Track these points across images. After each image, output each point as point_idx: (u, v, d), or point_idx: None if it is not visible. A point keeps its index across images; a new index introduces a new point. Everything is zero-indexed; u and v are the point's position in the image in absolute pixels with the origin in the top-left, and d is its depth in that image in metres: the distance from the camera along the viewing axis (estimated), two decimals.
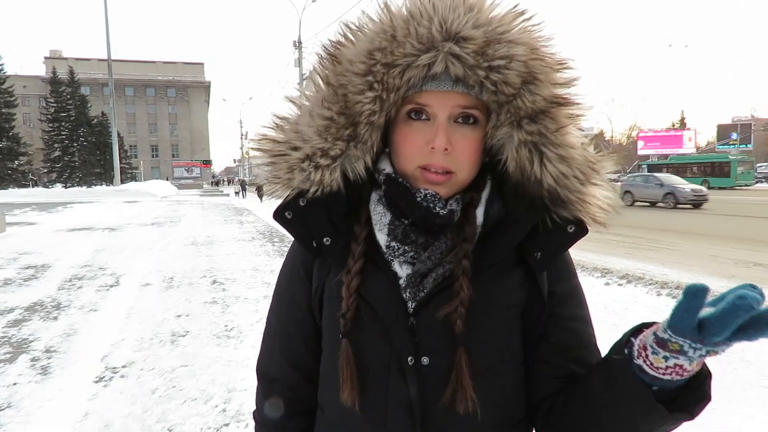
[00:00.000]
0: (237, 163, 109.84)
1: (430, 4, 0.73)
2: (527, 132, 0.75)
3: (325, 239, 0.82)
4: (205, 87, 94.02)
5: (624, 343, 0.71)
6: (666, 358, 0.62)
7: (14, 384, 3.69)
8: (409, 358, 0.77)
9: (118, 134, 44.33)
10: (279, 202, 0.85)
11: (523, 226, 0.79)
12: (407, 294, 0.79)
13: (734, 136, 74.48)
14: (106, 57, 37.95)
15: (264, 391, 0.94)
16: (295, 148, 0.81)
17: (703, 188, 21.58)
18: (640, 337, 0.68)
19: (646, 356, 0.65)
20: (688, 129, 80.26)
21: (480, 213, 0.81)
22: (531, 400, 0.85)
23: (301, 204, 0.82)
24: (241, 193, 37.39)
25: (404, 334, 0.78)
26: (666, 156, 59.58)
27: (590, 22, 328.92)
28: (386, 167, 0.83)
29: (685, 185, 21.38)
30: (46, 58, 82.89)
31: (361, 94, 0.76)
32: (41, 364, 4.10)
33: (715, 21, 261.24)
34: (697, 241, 11.09)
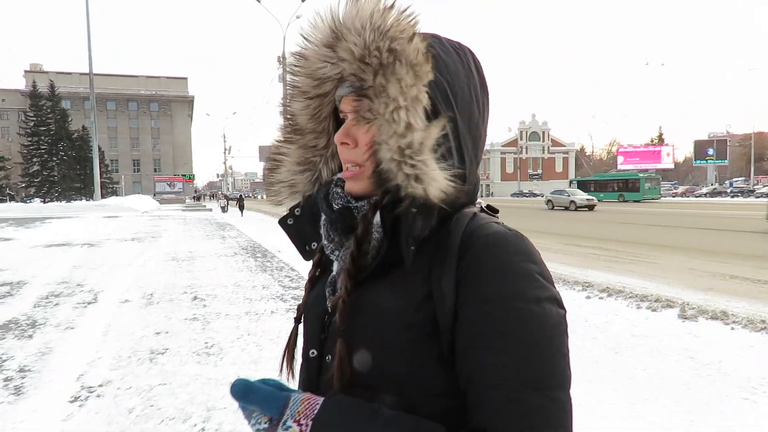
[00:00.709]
0: (220, 178, 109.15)
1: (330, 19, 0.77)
2: None
3: (312, 244, 0.88)
4: (189, 101, 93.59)
5: None
6: None
7: None
8: (311, 351, 0.81)
9: (99, 148, 43.91)
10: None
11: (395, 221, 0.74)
12: (328, 291, 0.82)
13: (710, 151, 76.18)
14: (87, 71, 37.66)
15: None
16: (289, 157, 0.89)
17: (593, 198, 33.29)
18: None
19: None
20: (666, 144, 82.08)
21: (378, 213, 0.77)
22: None
23: (296, 213, 0.89)
24: (224, 208, 36.81)
25: (313, 328, 0.82)
26: (617, 171, 69.19)
27: (574, 38, 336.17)
28: None
29: (582, 195, 33.39)
30: (26, 71, 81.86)
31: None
32: (14, 384, 3.99)
33: (692, 40, 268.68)
34: (675, 253, 11.26)
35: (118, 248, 13.46)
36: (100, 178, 41.46)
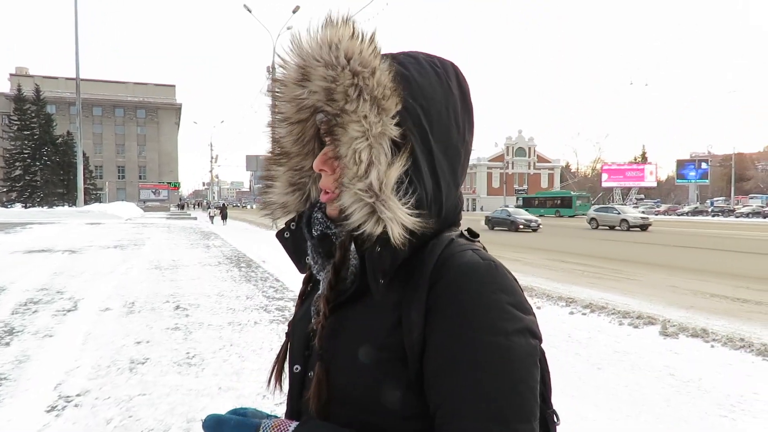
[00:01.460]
0: (206, 186, 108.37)
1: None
2: None
3: (307, 257, 0.88)
4: (176, 109, 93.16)
5: None
6: None
7: None
8: (295, 367, 0.83)
9: (84, 154, 43.37)
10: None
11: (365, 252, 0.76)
12: (313, 310, 0.83)
13: (692, 172, 77.53)
14: (74, 76, 37.33)
15: None
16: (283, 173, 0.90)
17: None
18: None
19: None
20: (650, 163, 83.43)
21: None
22: None
23: (292, 227, 0.89)
24: (213, 219, 36.11)
25: (299, 344, 0.84)
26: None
27: (561, 57, 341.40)
28: None
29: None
30: (11, 74, 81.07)
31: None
32: None
33: (674, 62, 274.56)
34: (657, 271, 11.41)
35: (100, 255, 13.27)
36: (84, 184, 40.83)
